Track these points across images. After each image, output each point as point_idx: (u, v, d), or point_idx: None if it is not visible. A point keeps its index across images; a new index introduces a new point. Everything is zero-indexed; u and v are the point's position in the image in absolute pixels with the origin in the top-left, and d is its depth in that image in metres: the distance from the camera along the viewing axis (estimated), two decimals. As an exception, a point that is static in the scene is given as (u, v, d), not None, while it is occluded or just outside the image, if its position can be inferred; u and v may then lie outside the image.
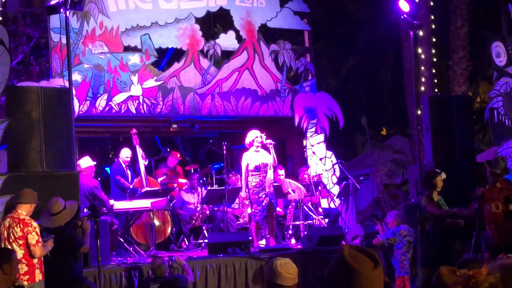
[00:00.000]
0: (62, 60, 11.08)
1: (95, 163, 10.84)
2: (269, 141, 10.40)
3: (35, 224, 7.07)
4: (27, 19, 12.96)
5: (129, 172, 11.29)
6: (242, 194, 10.73)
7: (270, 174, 10.52)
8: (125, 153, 11.25)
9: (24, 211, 7.14)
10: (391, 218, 9.14)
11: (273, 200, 10.58)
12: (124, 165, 11.25)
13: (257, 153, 10.46)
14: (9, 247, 6.88)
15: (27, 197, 7.23)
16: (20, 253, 6.90)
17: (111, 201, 10.42)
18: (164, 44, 12.47)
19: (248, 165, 10.41)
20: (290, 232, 11.24)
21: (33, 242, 6.98)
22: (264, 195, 10.41)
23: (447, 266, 4.27)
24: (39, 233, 7.07)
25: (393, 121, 22.30)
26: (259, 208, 10.41)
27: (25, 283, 6.93)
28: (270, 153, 10.42)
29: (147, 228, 10.68)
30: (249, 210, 11.00)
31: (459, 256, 7.97)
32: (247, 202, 11.46)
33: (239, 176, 12.12)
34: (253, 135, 10.47)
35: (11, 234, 6.96)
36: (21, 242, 6.96)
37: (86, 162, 10.56)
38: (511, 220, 8.03)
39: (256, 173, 10.40)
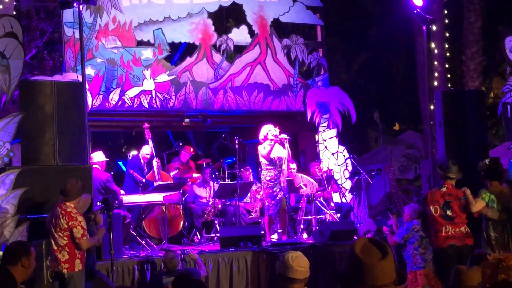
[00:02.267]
0: (75, 55, 11.13)
1: (107, 159, 10.90)
2: (283, 135, 10.37)
3: (80, 218, 7.09)
4: (40, 14, 12.99)
5: (146, 169, 11.37)
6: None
7: (285, 168, 10.50)
8: (145, 150, 11.33)
9: (72, 203, 7.19)
10: (408, 210, 9.11)
11: (286, 195, 10.58)
12: (142, 161, 11.34)
13: (272, 147, 10.43)
14: (54, 233, 7.01)
15: (72, 194, 7.19)
16: (63, 241, 7.01)
17: (122, 192, 10.49)
18: (176, 38, 12.49)
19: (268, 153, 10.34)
20: (302, 226, 11.22)
21: (78, 236, 7.01)
22: (278, 190, 10.41)
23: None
24: (84, 227, 7.10)
25: (406, 116, 22.27)
26: (273, 202, 10.42)
27: (65, 271, 7.00)
28: (284, 148, 10.39)
29: (160, 221, 10.72)
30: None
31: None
32: (259, 196, 11.48)
33: (251, 170, 12.15)
34: (267, 129, 10.42)
35: (58, 224, 7.03)
36: (66, 233, 7.04)
37: (99, 156, 10.65)
38: (448, 224, 8.10)
39: (271, 167, 10.38)
